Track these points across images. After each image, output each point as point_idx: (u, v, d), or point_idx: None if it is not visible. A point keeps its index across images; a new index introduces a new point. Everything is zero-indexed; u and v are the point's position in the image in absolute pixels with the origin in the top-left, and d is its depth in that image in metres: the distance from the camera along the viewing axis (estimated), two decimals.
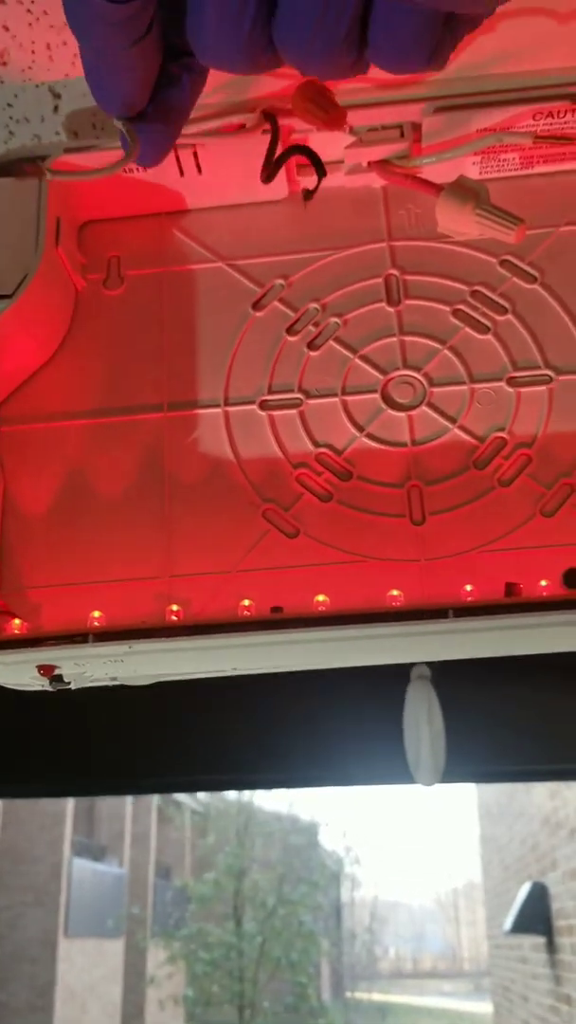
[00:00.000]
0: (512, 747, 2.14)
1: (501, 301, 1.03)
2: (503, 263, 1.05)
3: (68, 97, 1.09)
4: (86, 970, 13.16)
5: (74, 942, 12.72)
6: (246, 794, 13.16)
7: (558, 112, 1.00)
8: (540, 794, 7.13)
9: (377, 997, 18.10)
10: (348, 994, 16.39)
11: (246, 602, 0.90)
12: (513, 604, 0.83)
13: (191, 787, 2.16)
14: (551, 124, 1.01)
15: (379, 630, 0.83)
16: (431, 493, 0.96)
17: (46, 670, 0.86)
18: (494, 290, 1.04)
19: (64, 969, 12.35)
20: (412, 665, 2.25)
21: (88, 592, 0.93)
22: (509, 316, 1.02)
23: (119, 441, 1.00)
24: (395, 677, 2.15)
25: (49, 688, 0.89)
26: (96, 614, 0.90)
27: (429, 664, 2.15)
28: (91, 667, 0.87)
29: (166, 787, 2.18)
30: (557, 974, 6.93)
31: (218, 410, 1.01)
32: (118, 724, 2.12)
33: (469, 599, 0.86)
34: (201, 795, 14.83)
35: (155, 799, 15.64)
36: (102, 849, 14.66)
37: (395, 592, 0.88)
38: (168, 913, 14.29)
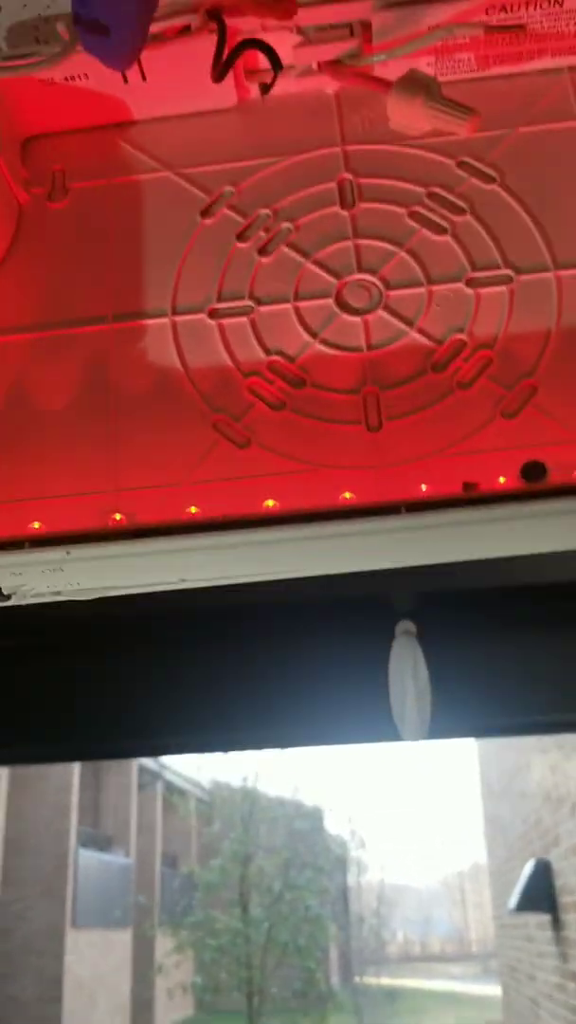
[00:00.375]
0: (502, 700, 2.11)
1: (459, 202, 0.99)
2: (461, 164, 1.01)
3: (9, 10, 1.04)
4: (94, 961, 13.16)
5: (82, 933, 12.71)
6: (250, 781, 13.18)
7: (510, 5, 0.95)
8: (541, 771, 7.11)
9: (386, 981, 18.13)
10: (357, 979, 16.42)
11: (193, 509, 0.86)
12: (469, 498, 0.79)
13: (178, 749, 2.14)
14: (504, 17, 0.96)
15: (329, 529, 0.79)
16: (388, 398, 0.92)
17: None
18: (452, 191, 1.00)
19: (72, 960, 12.34)
20: (396, 623, 2.21)
21: (30, 507, 0.90)
22: (467, 217, 0.98)
23: (63, 355, 0.96)
24: (381, 634, 2.12)
25: None
26: (36, 525, 0.86)
27: (413, 618, 2.12)
28: (30, 577, 0.83)
29: (152, 749, 2.15)
30: (563, 951, 6.92)
31: (165, 320, 0.97)
32: (103, 682, 2.09)
33: (423, 496, 0.82)
34: (206, 783, 14.87)
35: (160, 788, 15.65)
36: (108, 839, 14.65)
37: (348, 495, 0.84)
38: (175, 901, 14.29)
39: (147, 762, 15.25)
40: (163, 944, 13.24)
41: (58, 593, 0.88)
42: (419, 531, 0.78)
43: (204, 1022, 14.21)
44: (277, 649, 2.15)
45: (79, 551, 0.80)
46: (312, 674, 2.15)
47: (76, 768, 12.98)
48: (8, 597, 0.85)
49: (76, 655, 2.13)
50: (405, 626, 2.16)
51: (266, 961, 11.43)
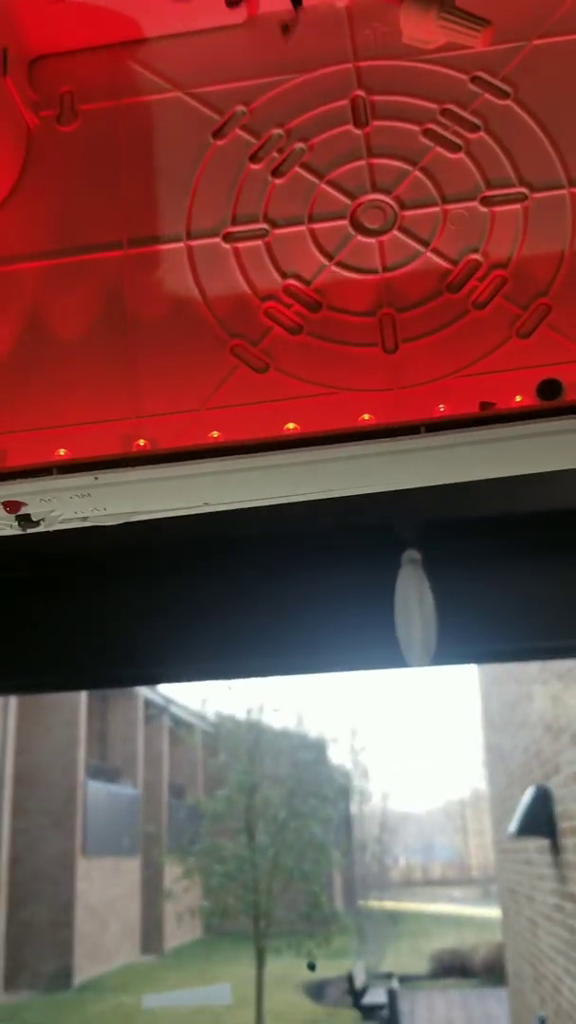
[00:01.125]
0: (506, 626, 2.14)
1: (473, 119, 0.98)
2: (474, 80, 0.99)
3: None
4: (105, 887, 13.57)
5: (92, 861, 13.09)
6: (255, 713, 13.41)
7: None
8: (542, 701, 7.23)
9: (388, 905, 18.68)
10: (360, 903, 16.92)
11: (215, 434, 0.87)
12: (487, 417, 0.80)
13: (187, 677, 2.18)
14: None
15: (349, 450, 0.80)
16: (404, 320, 0.92)
17: (12, 507, 0.84)
18: (465, 108, 0.99)
19: (83, 887, 12.73)
20: (402, 551, 2.24)
21: (53, 435, 0.91)
22: (482, 134, 0.97)
23: (79, 282, 0.96)
24: (386, 563, 2.14)
25: (19, 529, 0.87)
26: (62, 451, 0.87)
27: (419, 547, 2.14)
28: (58, 503, 0.85)
29: (160, 677, 2.21)
30: (562, 873, 7.13)
31: (180, 245, 0.96)
32: (102, 613, 2.12)
33: (442, 416, 0.83)
34: (211, 716, 15.13)
35: (166, 721, 15.93)
36: (116, 771, 14.98)
37: (366, 416, 0.85)
38: (182, 830, 14.68)
39: (153, 695, 15.51)
40: (171, 871, 13.61)
41: (85, 519, 0.89)
42: (439, 451, 0.79)
43: (212, 944, 14.71)
44: (283, 579, 2.18)
45: (106, 476, 0.81)
46: (318, 603, 2.18)
47: (83, 702, 13.21)
48: (37, 523, 0.86)
49: (84, 586, 2.16)
50: (411, 555, 2.19)
51: (272, 886, 11.75)
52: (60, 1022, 11.03)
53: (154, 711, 15.82)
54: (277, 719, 17.11)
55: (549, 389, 0.83)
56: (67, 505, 0.85)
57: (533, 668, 7.26)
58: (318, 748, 14.07)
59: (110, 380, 0.93)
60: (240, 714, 13.53)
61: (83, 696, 13.23)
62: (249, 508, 1.93)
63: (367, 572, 2.14)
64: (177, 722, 16.33)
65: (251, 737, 12.95)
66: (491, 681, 10.06)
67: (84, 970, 12.46)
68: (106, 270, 0.97)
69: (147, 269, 0.96)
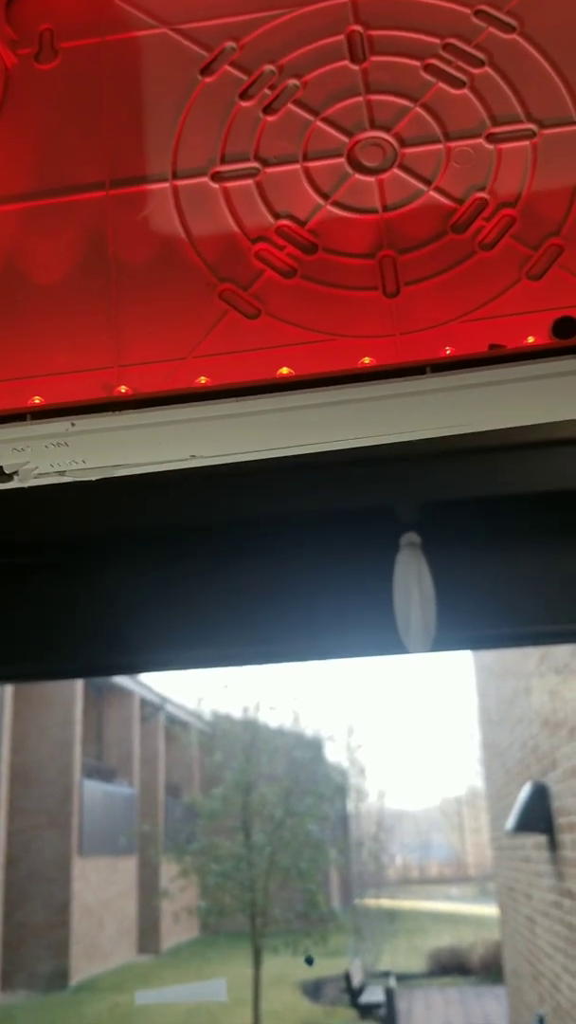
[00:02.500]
0: (506, 611, 2.09)
1: (477, 53, 0.92)
2: (478, 13, 0.94)
3: None
4: (101, 887, 13.49)
5: (88, 861, 13.00)
6: (251, 711, 13.34)
7: None
8: (539, 696, 7.19)
9: (385, 903, 18.62)
10: (357, 901, 16.85)
11: (203, 379, 0.81)
12: (497, 357, 0.74)
13: (182, 664, 2.12)
14: None
15: (348, 393, 0.74)
16: (405, 262, 0.86)
17: None
18: (469, 42, 0.93)
19: (80, 887, 12.65)
20: (401, 535, 2.18)
21: (29, 384, 0.85)
22: (486, 69, 0.92)
23: (59, 224, 0.91)
24: (385, 547, 2.09)
25: None
26: (37, 399, 0.81)
27: (417, 530, 2.08)
28: (33, 454, 0.79)
29: (144, 665, 2.15)
30: (559, 870, 7.08)
31: (166, 184, 0.91)
32: (103, 599, 2.06)
33: (448, 357, 0.77)
34: (207, 715, 15.05)
35: (162, 720, 15.83)
36: (111, 771, 14.90)
37: (367, 360, 0.79)
38: (179, 829, 14.59)
39: (148, 694, 15.43)
40: (168, 870, 13.54)
41: (62, 473, 0.83)
42: (445, 393, 0.73)
43: (209, 943, 14.64)
44: (281, 563, 2.12)
45: (84, 422, 0.75)
46: (315, 588, 2.12)
47: (79, 701, 13.14)
48: (11, 477, 0.80)
49: (70, 572, 2.10)
50: (410, 538, 2.13)
51: (269, 885, 11.68)
52: (57, 1022, 10.96)
53: (150, 710, 15.75)
54: (273, 718, 17.04)
55: (565, 327, 0.77)
56: (42, 456, 0.79)
57: (530, 663, 7.22)
58: (314, 746, 14.01)
59: (91, 327, 0.87)
60: (236, 713, 13.46)
61: (78, 695, 13.17)
62: (243, 487, 1.87)
63: (365, 556, 2.09)
64: (173, 721, 16.26)
65: (247, 736, 12.89)
66: (488, 676, 10.02)
67: (81, 970, 12.39)
68: (88, 212, 0.91)
69: (131, 210, 0.90)
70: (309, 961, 10.61)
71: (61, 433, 0.74)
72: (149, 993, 10.72)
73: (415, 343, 0.81)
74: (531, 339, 0.76)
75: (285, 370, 0.76)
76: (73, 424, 0.73)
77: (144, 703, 15.48)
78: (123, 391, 0.78)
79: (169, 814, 15.16)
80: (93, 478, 0.85)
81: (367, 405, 0.73)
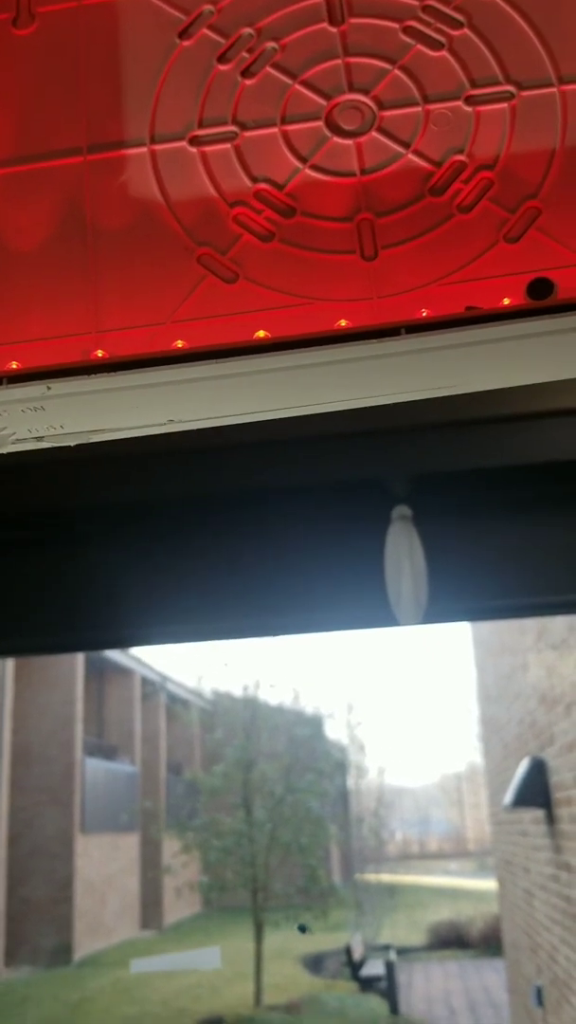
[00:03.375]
0: (498, 582, 2.09)
1: (456, 15, 0.92)
2: None
3: None
4: (103, 863, 13.61)
5: (91, 838, 13.12)
6: (251, 689, 13.41)
7: None
8: (536, 672, 7.21)
9: (385, 878, 18.79)
10: (357, 876, 17.02)
11: (179, 343, 0.81)
12: (473, 318, 0.74)
13: (176, 637, 2.13)
14: None
15: (325, 355, 0.74)
16: (383, 225, 0.86)
17: None
18: (448, 4, 0.92)
19: (82, 864, 12.76)
20: (393, 507, 2.18)
21: (5, 351, 0.85)
22: (465, 30, 0.91)
23: (36, 190, 0.90)
24: (377, 519, 2.09)
25: None
26: (13, 364, 0.81)
27: (409, 503, 2.09)
28: (10, 419, 0.79)
29: (138, 639, 2.16)
30: (557, 844, 7.14)
31: (144, 149, 0.90)
32: (100, 576, 2.07)
33: (424, 319, 0.77)
34: (208, 693, 15.12)
35: (163, 698, 15.91)
36: (113, 749, 15.00)
37: (343, 322, 0.80)
38: (180, 806, 14.71)
39: (149, 673, 15.50)
40: (170, 846, 13.65)
41: (40, 439, 0.83)
42: (421, 354, 0.73)
43: (211, 918, 14.78)
44: (272, 536, 2.13)
45: (60, 386, 0.75)
46: (307, 560, 2.13)
47: (80, 681, 13.20)
48: None
49: (64, 546, 2.10)
50: (401, 511, 2.13)
51: (269, 860, 11.78)
52: (60, 997, 11.08)
53: (151, 689, 15.83)
54: (273, 695, 17.12)
55: (541, 288, 0.77)
56: (20, 421, 0.79)
57: (527, 639, 7.24)
58: (314, 723, 14.09)
59: (68, 293, 0.87)
60: (236, 691, 13.53)
61: (79, 674, 13.23)
62: (235, 461, 1.87)
63: (357, 528, 2.09)
64: (174, 699, 16.35)
65: (248, 713, 12.96)
66: (486, 653, 10.05)
67: (84, 946, 12.53)
68: (65, 177, 0.90)
69: (108, 176, 0.90)
70: (302, 929, 10.72)
71: (37, 397, 0.74)
72: (144, 962, 10.84)
73: (392, 306, 0.81)
74: (507, 300, 0.76)
75: (262, 333, 0.76)
76: (49, 388, 0.73)
77: (145, 681, 15.56)
78: (99, 355, 0.78)
79: (170, 791, 15.28)
80: (71, 443, 0.85)
81: (343, 367, 0.74)
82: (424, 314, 0.75)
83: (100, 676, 14.74)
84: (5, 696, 11.89)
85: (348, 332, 0.73)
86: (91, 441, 0.86)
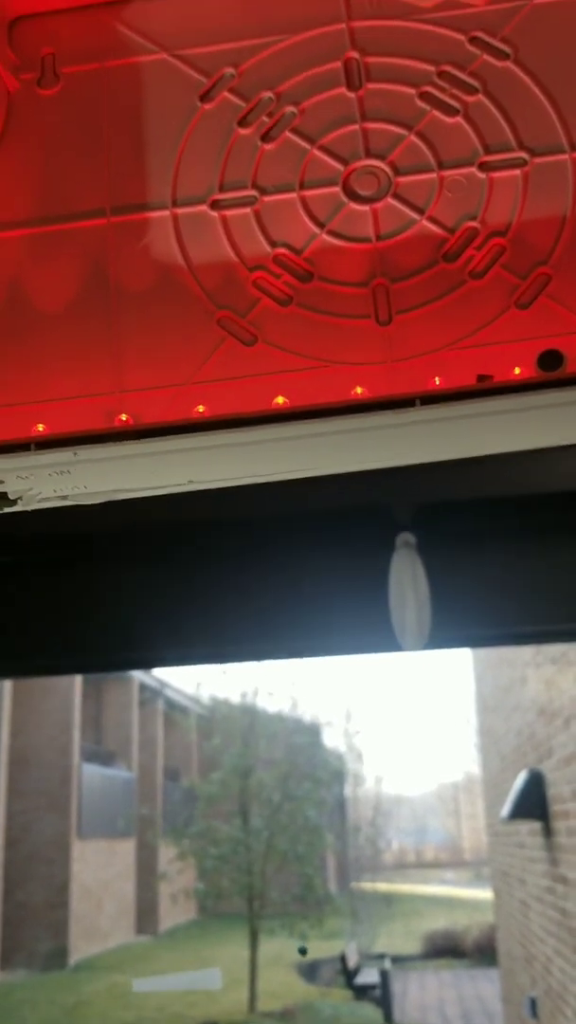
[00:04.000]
0: (501, 610, 2.11)
1: (471, 80, 0.94)
2: (473, 40, 0.95)
3: None
4: (100, 869, 13.62)
5: (87, 843, 13.12)
6: (249, 697, 13.42)
7: None
8: (536, 685, 7.23)
9: (382, 887, 18.79)
10: (354, 884, 17.02)
11: (200, 408, 0.83)
12: (485, 389, 0.76)
13: (180, 661, 2.15)
14: None
15: (341, 424, 0.76)
16: (398, 290, 0.88)
17: None
18: (463, 69, 0.95)
19: (79, 869, 12.77)
20: (397, 534, 2.21)
21: (31, 410, 0.87)
22: (480, 96, 0.93)
23: (60, 251, 0.93)
24: (381, 546, 2.11)
25: None
26: (40, 427, 0.83)
27: (413, 530, 2.11)
28: (36, 481, 0.81)
29: (154, 661, 2.19)
30: (553, 856, 7.15)
31: (166, 212, 0.93)
32: (107, 599, 2.09)
33: (437, 389, 0.79)
34: (206, 699, 15.13)
35: (160, 705, 15.92)
36: (110, 755, 15.01)
37: (359, 390, 0.82)
38: (177, 813, 14.72)
39: (147, 679, 15.51)
40: (166, 853, 13.65)
41: (64, 497, 0.86)
42: (435, 424, 0.76)
43: (206, 925, 14.78)
44: (277, 561, 2.14)
45: (86, 452, 0.78)
46: (312, 586, 2.15)
47: (78, 686, 13.21)
48: (14, 502, 0.82)
49: (74, 569, 2.12)
50: (405, 537, 2.15)
51: (266, 868, 11.80)
52: (56, 1001, 11.08)
53: (149, 695, 15.84)
54: (271, 703, 17.13)
55: (550, 360, 0.79)
56: (45, 483, 0.81)
57: (527, 652, 7.27)
58: (312, 731, 14.10)
59: (92, 353, 0.89)
60: (235, 698, 13.55)
61: (77, 680, 13.24)
62: (242, 489, 1.89)
63: (361, 555, 2.11)
64: (172, 706, 16.35)
65: (246, 720, 12.98)
66: (485, 665, 10.07)
67: (79, 950, 12.53)
68: (89, 239, 0.93)
69: (131, 238, 0.92)
70: (303, 951, 10.72)
71: (64, 462, 0.76)
72: (146, 981, 10.84)
73: (406, 370, 0.84)
74: (518, 370, 0.78)
75: (280, 399, 0.79)
76: (75, 454, 0.75)
77: (143, 687, 15.57)
78: (124, 419, 0.80)
79: (167, 798, 15.28)
80: (94, 502, 0.88)
81: (359, 435, 0.76)
82: (437, 382, 0.78)
83: (98, 682, 14.76)
84: (3, 701, 11.90)
85: (364, 401, 0.75)
86: (114, 500, 0.88)
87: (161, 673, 15.77)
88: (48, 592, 2.12)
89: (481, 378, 0.77)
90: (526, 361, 0.81)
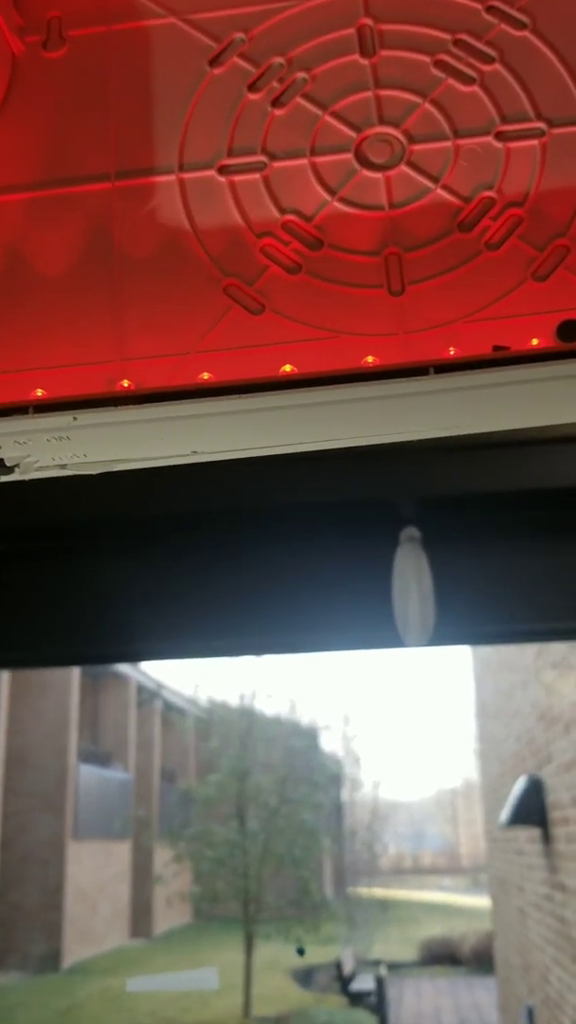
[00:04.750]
0: (503, 608, 2.09)
1: (488, 50, 0.92)
2: (490, 9, 0.93)
3: None
4: (95, 871, 13.56)
5: (82, 844, 13.07)
6: (247, 699, 13.39)
7: None
8: (535, 691, 7.20)
9: (378, 892, 18.72)
10: (350, 890, 16.96)
11: (205, 375, 0.80)
12: (501, 359, 0.74)
13: (179, 654, 2.12)
14: None
15: (351, 392, 0.74)
16: (411, 260, 0.86)
17: None
18: (480, 38, 0.92)
19: (73, 870, 12.72)
20: (401, 529, 2.18)
21: (31, 376, 0.84)
22: (497, 66, 0.91)
23: (63, 215, 0.90)
24: (385, 541, 2.08)
25: None
26: (39, 392, 0.81)
27: (417, 525, 2.08)
28: (34, 447, 0.79)
29: (141, 654, 2.16)
30: (552, 863, 7.11)
31: (172, 177, 0.90)
32: (104, 589, 2.07)
33: (452, 358, 0.77)
34: (203, 701, 15.09)
35: (158, 706, 15.88)
36: (107, 755, 14.96)
37: (370, 359, 0.79)
38: (173, 815, 14.66)
39: (145, 680, 15.47)
40: (162, 855, 13.61)
41: (63, 467, 0.83)
42: (449, 394, 0.73)
43: (201, 928, 14.72)
44: (281, 555, 2.12)
45: (86, 417, 0.75)
46: (314, 580, 2.12)
47: (75, 686, 13.17)
48: (11, 470, 0.80)
49: (68, 561, 2.10)
50: (410, 532, 2.13)
51: (262, 872, 11.75)
52: (50, 1004, 11.03)
53: (146, 696, 15.80)
54: (270, 705, 17.10)
55: (570, 329, 0.77)
56: (44, 449, 0.79)
57: (527, 656, 7.23)
58: (310, 735, 14.07)
59: (95, 320, 0.86)
60: (233, 700, 13.51)
61: (75, 680, 13.20)
62: (242, 478, 1.86)
63: (365, 549, 2.09)
64: (169, 707, 16.31)
65: (243, 723, 12.94)
66: (485, 669, 10.03)
67: (73, 953, 12.47)
68: (93, 204, 0.90)
69: (136, 203, 0.89)
70: (300, 952, 10.67)
71: (63, 427, 0.73)
72: (140, 980, 10.80)
73: (419, 342, 0.81)
74: (535, 341, 0.75)
75: (288, 367, 0.76)
76: (75, 418, 0.72)
77: (141, 689, 15.53)
78: (125, 385, 0.77)
79: (164, 800, 15.23)
80: (94, 472, 0.85)
81: (369, 404, 0.73)
82: (452, 352, 0.75)
83: (96, 682, 14.72)
84: (1, 701, 11.86)
85: (375, 370, 0.73)
86: (114, 470, 0.86)
87: (159, 674, 15.74)
88: (38, 583, 2.10)
89: (497, 348, 0.74)
90: (544, 333, 0.78)
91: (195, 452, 0.82)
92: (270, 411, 0.74)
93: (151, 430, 0.76)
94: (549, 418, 0.79)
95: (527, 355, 0.74)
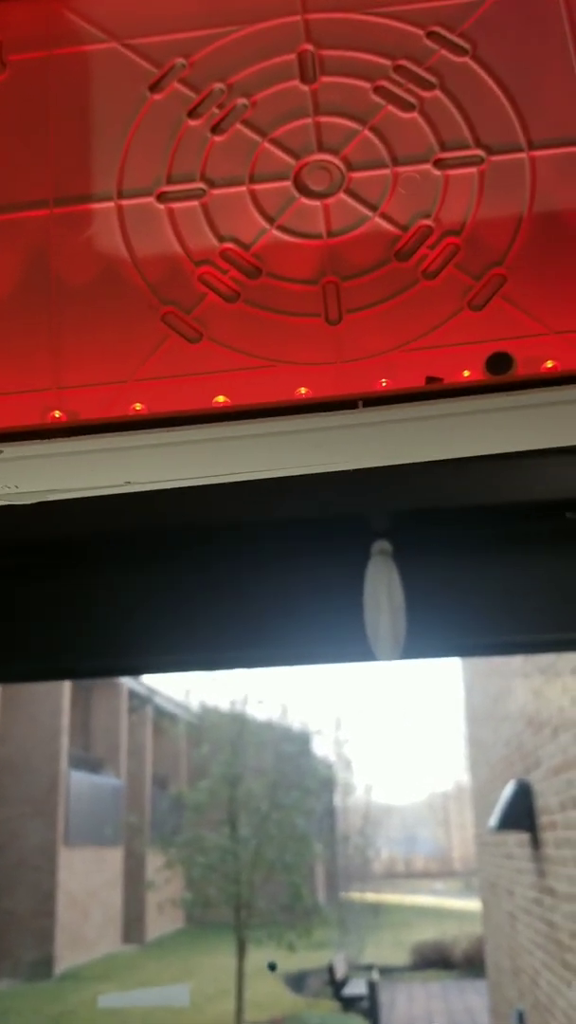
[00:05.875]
0: (478, 620, 2.08)
1: (428, 76, 0.91)
2: (431, 35, 0.93)
3: None
4: (86, 877, 13.52)
5: (74, 851, 13.03)
6: (238, 704, 13.37)
7: None
8: (524, 695, 7.20)
9: (370, 897, 18.71)
10: (342, 894, 16.95)
11: (138, 406, 0.80)
12: (431, 392, 0.73)
13: (155, 668, 2.12)
14: None
15: (280, 425, 0.73)
16: (348, 289, 0.85)
17: None
18: (421, 64, 0.92)
19: (65, 876, 12.68)
20: (372, 542, 2.18)
21: None
22: (437, 92, 0.91)
23: (0, 241, 0.89)
24: (357, 554, 2.08)
25: None
26: None
27: (389, 538, 2.08)
28: None
29: (129, 669, 2.15)
30: (541, 867, 7.11)
31: (111, 204, 0.90)
32: (99, 603, 2.06)
33: (383, 391, 0.76)
34: (195, 707, 15.07)
35: (150, 712, 15.85)
36: (98, 761, 14.92)
37: (303, 390, 0.79)
38: (165, 821, 14.63)
39: (136, 686, 15.44)
40: (153, 861, 13.56)
41: None
42: (378, 427, 0.73)
43: (193, 934, 14.68)
44: (253, 569, 2.12)
45: (14, 449, 0.74)
46: (288, 594, 2.12)
47: (66, 692, 13.14)
48: None
49: (62, 576, 2.09)
50: (381, 545, 2.12)
51: (254, 877, 11.72)
52: (41, 1010, 10.99)
53: (137, 702, 15.77)
54: (261, 711, 17.07)
55: (499, 363, 0.76)
56: None
57: (516, 662, 7.24)
58: (302, 740, 14.04)
59: (30, 348, 0.86)
60: (224, 705, 13.48)
61: (66, 686, 13.17)
62: (223, 495, 1.86)
63: (337, 563, 2.08)
64: (161, 713, 16.28)
65: (235, 729, 12.90)
66: (475, 675, 10.04)
67: (65, 959, 12.43)
68: (30, 230, 0.90)
69: (74, 230, 0.89)
70: (272, 967, 10.64)
71: None
72: (111, 997, 10.78)
73: (354, 372, 0.81)
74: (467, 373, 0.75)
75: (221, 398, 0.75)
76: (2, 451, 0.72)
77: (132, 694, 15.50)
78: (56, 416, 0.77)
79: (155, 806, 15.20)
80: (27, 502, 0.84)
81: (299, 437, 0.73)
82: (384, 384, 0.75)
83: (87, 688, 14.69)
84: None
85: (307, 402, 0.72)
86: (47, 500, 0.85)
87: (150, 680, 15.70)
88: (35, 598, 2.09)
89: (430, 380, 0.74)
90: (477, 364, 0.78)
91: (128, 483, 0.82)
92: (201, 443, 0.74)
93: (82, 461, 0.75)
94: (478, 450, 0.79)
95: (458, 388, 0.73)
